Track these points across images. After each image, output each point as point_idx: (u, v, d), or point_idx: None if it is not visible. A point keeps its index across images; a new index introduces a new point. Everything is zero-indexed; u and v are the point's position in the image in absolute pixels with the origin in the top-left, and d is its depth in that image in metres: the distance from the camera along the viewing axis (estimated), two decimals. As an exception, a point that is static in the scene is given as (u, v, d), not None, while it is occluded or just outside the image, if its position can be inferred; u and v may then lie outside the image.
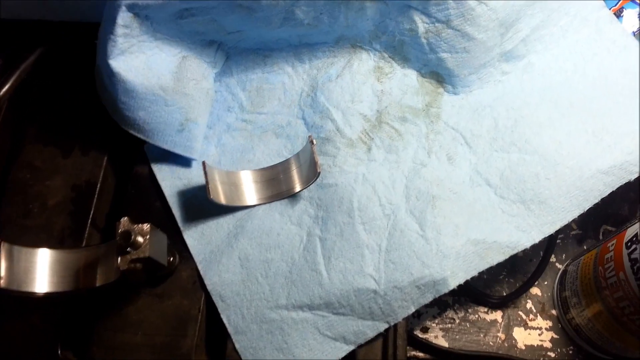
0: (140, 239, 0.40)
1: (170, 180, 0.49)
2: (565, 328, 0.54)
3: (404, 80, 0.54)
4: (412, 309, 0.44)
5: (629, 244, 0.43)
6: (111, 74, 0.45)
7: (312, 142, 0.47)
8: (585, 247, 0.58)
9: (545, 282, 0.57)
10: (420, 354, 0.53)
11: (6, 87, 0.51)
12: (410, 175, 0.49)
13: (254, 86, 0.54)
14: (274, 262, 0.46)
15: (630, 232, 0.44)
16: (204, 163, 0.46)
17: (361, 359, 0.44)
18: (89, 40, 0.50)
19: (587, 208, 0.47)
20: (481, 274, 0.45)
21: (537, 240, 0.46)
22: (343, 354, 0.44)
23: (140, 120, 0.47)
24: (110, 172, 0.50)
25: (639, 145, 0.48)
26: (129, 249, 0.39)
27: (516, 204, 0.48)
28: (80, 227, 0.47)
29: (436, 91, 0.54)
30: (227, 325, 0.45)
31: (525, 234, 0.46)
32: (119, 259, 0.39)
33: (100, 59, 0.46)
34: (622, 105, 0.51)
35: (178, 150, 0.49)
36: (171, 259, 0.45)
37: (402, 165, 0.50)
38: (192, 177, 0.50)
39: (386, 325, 0.44)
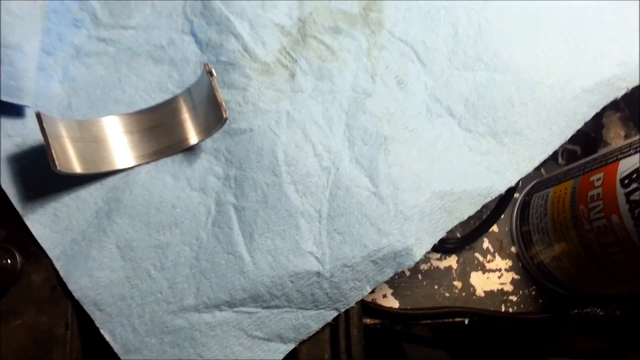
0: None
1: (-6, 141, 0.32)
2: (526, 266, 0.48)
3: (332, -28, 0.39)
4: (368, 290, 0.34)
5: (627, 181, 0.34)
6: None
7: (209, 72, 0.31)
8: (543, 172, 0.50)
9: (502, 215, 0.49)
10: (368, 320, 0.44)
11: None
12: (351, 110, 0.36)
13: (113, -15, 0.36)
14: (171, 247, 0.33)
15: (624, 165, 0.35)
16: (39, 115, 0.29)
17: (305, 359, 0.34)
18: None
19: (569, 136, 0.38)
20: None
21: (513, 183, 0.37)
22: (281, 356, 0.33)
23: None
24: None
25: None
26: None
27: (486, 138, 0.37)
28: None
29: (375, -13, 0.40)
30: (111, 343, 0.32)
31: (499, 175, 0.37)
32: None
33: None
34: (610, 7, 0.40)
35: (-3, 95, 0.31)
36: (8, 261, 0.30)
37: (340, 95, 0.36)
38: (28, 132, 0.33)
39: (335, 314, 0.34)
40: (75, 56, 0.35)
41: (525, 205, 0.47)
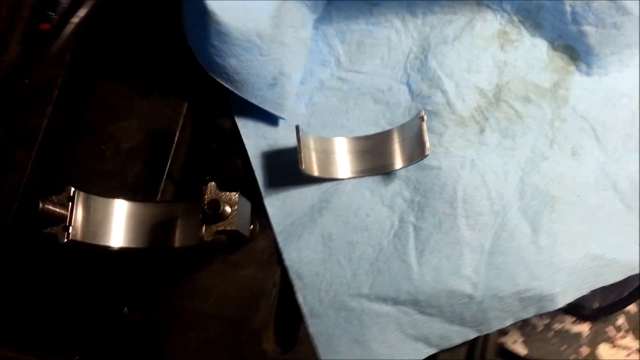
0: (228, 209, 0.36)
1: (255, 139, 0.44)
2: (660, 352, 0.49)
3: (532, 52, 0.46)
4: (510, 322, 0.39)
5: None
6: (204, 12, 0.39)
7: (422, 118, 0.40)
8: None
9: (644, 297, 0.50)
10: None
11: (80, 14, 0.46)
12: (527, 168, 0.43)
13: (355, 39, 0.47)
14: (359, 246, 0.42)
15: None
16: (297, 128, 0.40)
17: (442, 365, 0.40)
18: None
19: None
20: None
21: (662, 263, 0.40)
22: (424, 357, 0.40)
23: (230, 69, 0.41)
24: (189, 121, 0.46)
25: None
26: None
27: (644, 218, 0.41)
28: (155, 178, 0.44)
29: (567, 69, 0.46)
30: (302, 306, 0.41)
31: (649, 254, 0.40)
32: (204, 227, 0.36)
33: (192, -6, 0.40)
34: None
35: (267, 107, 0.43)
36: (251, 226, 0.42)
37: (519, 154, 0.43)
38: (279, 137, 0.45)
39: (476, 334, 0.40)
40: (319, 88, 0.46)
41: (670, 291, 0.48)
